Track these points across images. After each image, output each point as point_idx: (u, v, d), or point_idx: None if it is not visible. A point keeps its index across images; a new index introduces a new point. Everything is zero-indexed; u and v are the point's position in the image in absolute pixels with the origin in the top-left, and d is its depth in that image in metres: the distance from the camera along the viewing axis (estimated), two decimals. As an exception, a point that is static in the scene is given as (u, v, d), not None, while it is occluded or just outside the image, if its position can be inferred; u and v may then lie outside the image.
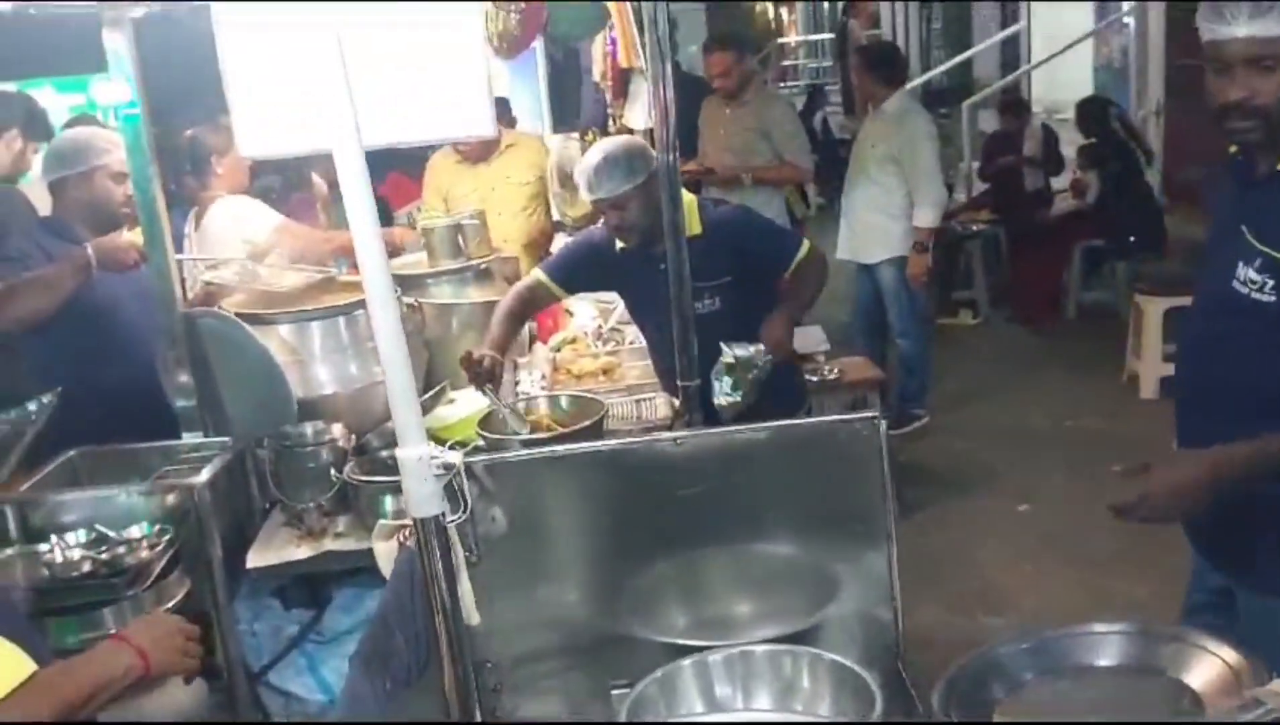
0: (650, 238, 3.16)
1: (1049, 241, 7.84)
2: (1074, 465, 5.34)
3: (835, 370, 4.86)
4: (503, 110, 6.00)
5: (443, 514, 1.30)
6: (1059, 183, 8.45)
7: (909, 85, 9.49)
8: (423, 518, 1.26)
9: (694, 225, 3.27)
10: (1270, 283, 2.02)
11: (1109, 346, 6.60)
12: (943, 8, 15.29)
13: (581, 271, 3.51)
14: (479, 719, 1.44)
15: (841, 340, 5.72)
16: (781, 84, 20.59)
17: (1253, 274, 2.05)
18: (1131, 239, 7.30)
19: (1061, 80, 10.84)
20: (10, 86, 5.54)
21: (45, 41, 5.00)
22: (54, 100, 5.92)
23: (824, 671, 1.83)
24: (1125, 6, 9.51)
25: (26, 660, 1.57)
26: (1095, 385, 6.39)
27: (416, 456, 1.24)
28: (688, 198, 3.29)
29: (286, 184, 5.71)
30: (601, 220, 3.46)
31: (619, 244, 3.35)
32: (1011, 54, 12.39)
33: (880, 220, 5.77)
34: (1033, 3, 12.04)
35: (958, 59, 13.10)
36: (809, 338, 4.80)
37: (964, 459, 5.60)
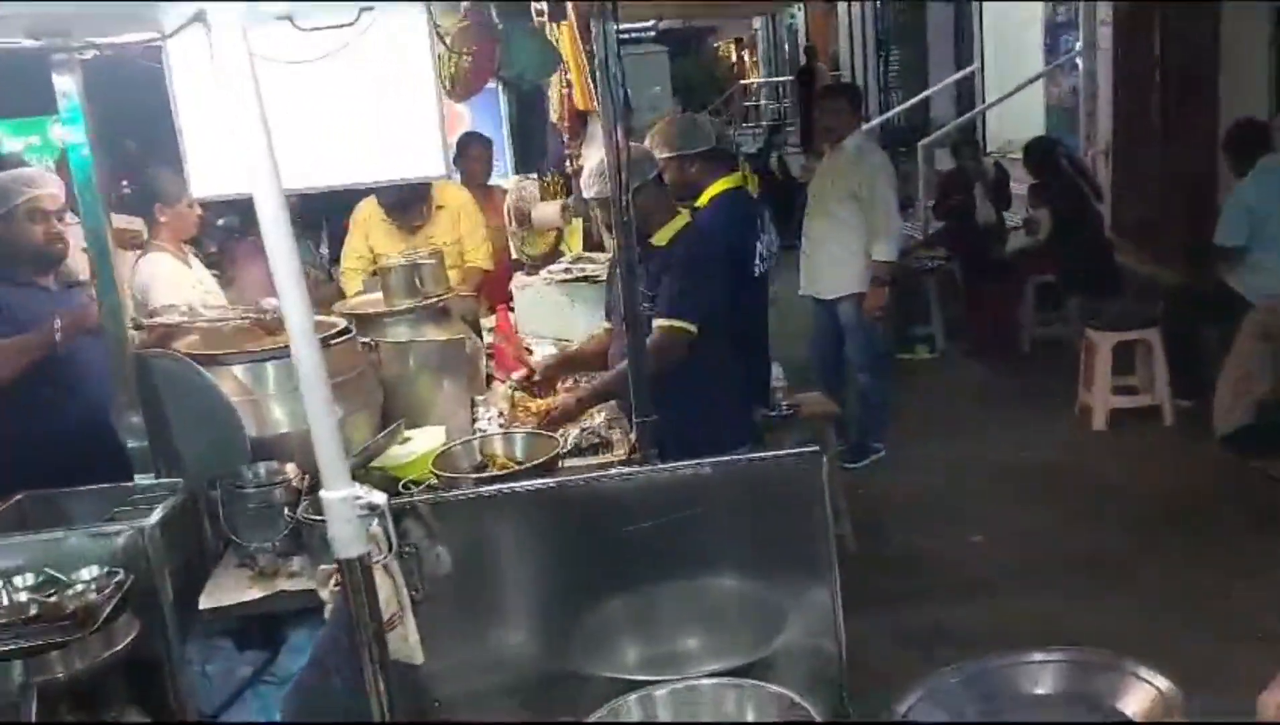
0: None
1: (1003, 277, 7.97)
2: (1028, 497, 5.42)
3: (791, 405, 4.90)
4: (487, 152, 6.05)
5: (369, 554, 1.31)
6: (1012, 220, 8.60)
7: (868, 125, 9.68)
8: (348, 558, 1.27)
9: (663, 236, 3.53)
10: None
11: (1062, 380, 6.70)
12: (900, 50, 15.56)
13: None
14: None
15: (799, 376, 5.77)
16: (744, 124, 20.88)
17: None
18: (1082, 274, 7.44)
19: (1015, 120, 11.05)
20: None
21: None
22: (9, 142, 5.92)
23: (768, 704, 1.85)
24: (1076, 48, 9.73)
25: None
26: (1049, 418, 6.48)
27: (340, 497, 1.24)
28: (683, 216, 3.66)
29: (244, 224, 5.73)
30: None
31: None
32: (967, 94, 12.62)
33: (840, 256, 5.85)
34: (986, 44, 12.29)
35: (915, 100, 13.32)
36: (766, 373, 4.84)
37: (920, 492, 5.65)
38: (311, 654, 1.64)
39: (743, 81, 24.12)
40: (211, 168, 2.85)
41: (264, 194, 1.28)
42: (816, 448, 1.92)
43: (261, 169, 1.26)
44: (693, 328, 3.45)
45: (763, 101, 22.73)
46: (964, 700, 1.79)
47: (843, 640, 2.04)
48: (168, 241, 4.20)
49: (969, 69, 12.49)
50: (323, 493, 1.26)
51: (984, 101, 11.73)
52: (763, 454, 2.14)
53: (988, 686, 1.81)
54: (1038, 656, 1.85)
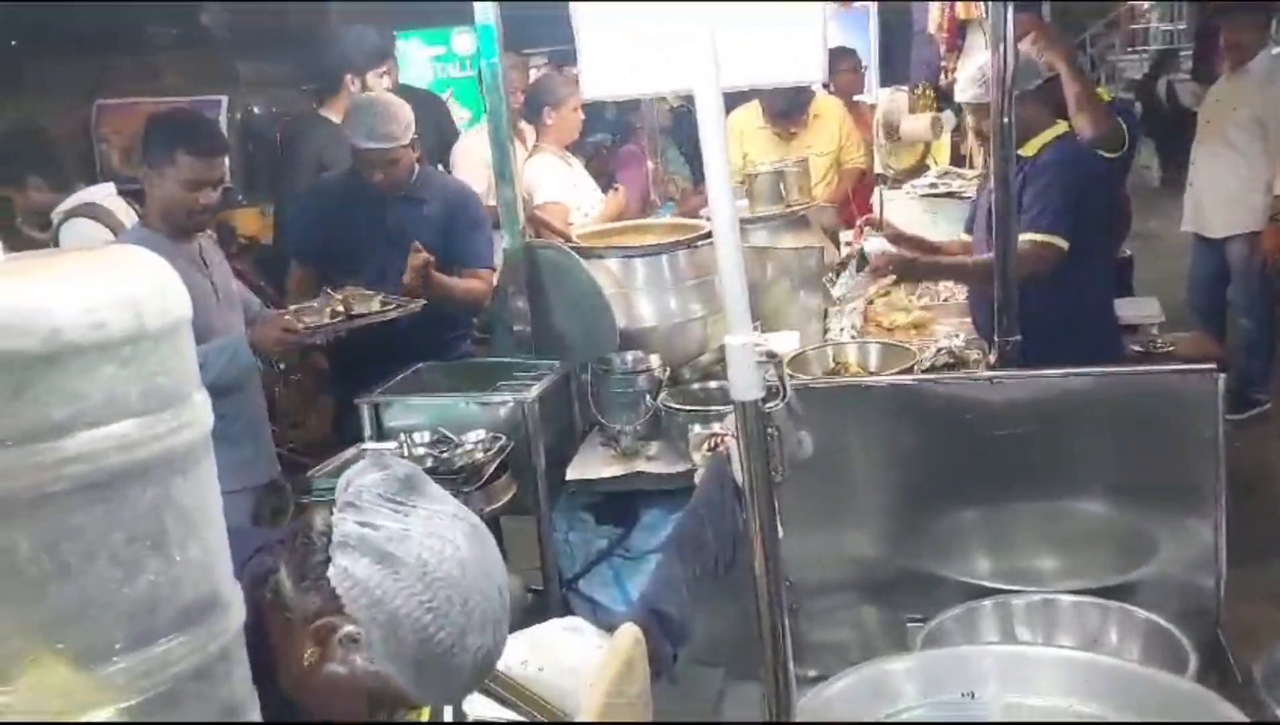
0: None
1: None
2: None
3: (1167, 344, 4.55)
4: (853, 63, 5.98)
5: (762, 400, 1.38)
6: None
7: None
8: (744, 401, 1.34)
9: (1031, 147, 3.31)
10: None
11: None
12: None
13: None
14: (785, 627, 1.51)
15: (1177, 316, 5.35)
16: (1130, 49, 19.24)
17: None
18: None
19: None
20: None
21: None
22: (420, 50, 6.52)
23: (1134, 626, 1.78)
24: None
25: None
26: None
27: (742, 342, 1.31)
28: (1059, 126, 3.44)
29: (616, 139, 6.01)
30: None
31: None
32: None
33: (1235, 189, 5.31)
34: None
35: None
36: (1142, 308, 4.53)
37: (1311, 452, 5.10)
38: (690, 505, 1.73)
39: (1130, 2, 22.18)
40: (603, 70, 2.99)
41: (703, 89, 1.35)
42: (1212, 366, 1.79)
43: (703, 64, 1.32)
44: (1064, 244, 3.19)
45: (1153, 25, 20.80)
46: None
47: (1222, 575, 1.91)
48: (553, 143, 4.47)
49: None
50: (727, 338, 1.34)
51: None
52: (1149, 368, 2.02)
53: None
54: None
